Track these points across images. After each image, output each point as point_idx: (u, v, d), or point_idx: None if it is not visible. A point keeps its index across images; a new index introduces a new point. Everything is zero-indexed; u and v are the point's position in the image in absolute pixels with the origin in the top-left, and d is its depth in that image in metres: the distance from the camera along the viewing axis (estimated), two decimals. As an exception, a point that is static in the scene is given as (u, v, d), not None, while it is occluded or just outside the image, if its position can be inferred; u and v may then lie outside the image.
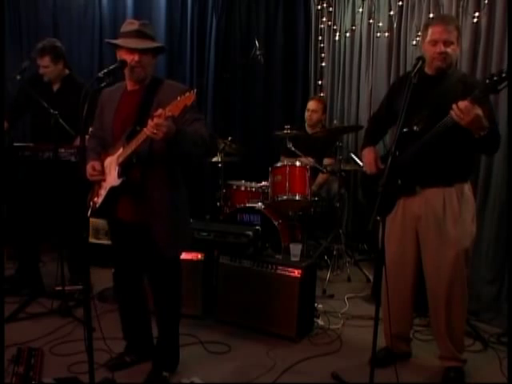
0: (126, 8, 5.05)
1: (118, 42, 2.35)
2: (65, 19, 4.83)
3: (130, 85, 2.45)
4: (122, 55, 2.34)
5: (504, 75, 2.10)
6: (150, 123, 2.09)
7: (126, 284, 2.66)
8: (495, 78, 2.12)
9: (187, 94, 2.05)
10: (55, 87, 3.61)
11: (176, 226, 2.44)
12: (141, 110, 2.35)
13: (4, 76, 3.67)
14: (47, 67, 3.51)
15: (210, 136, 2.37)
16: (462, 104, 2.19)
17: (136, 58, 2.31)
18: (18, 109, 3.69)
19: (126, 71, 2.38)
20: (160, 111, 2.08)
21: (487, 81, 2.16)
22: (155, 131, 2.09)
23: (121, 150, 2.35)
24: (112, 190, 2.39)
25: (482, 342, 3.03)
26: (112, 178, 2.39)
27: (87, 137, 2.57)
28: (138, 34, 2.33)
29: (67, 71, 3.64)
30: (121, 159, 2.33)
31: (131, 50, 2.31)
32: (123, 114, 2.41)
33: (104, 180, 2.44)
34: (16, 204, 3.61)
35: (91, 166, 2.43)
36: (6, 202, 3.58)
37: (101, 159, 2.48)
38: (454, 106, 2.22)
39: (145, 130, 2.14)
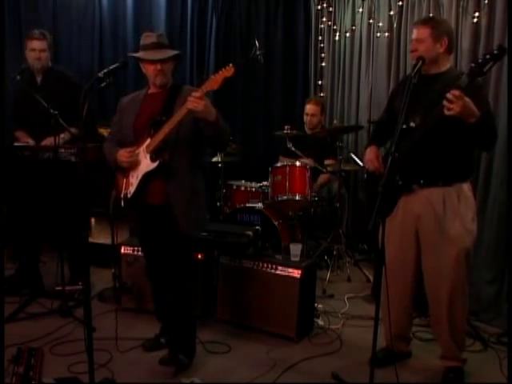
0: (125, 8, 5.05)
1: (140, 55, 2.62)
2: (65, 19, 4.83)
3: (152, 89, 2.70)
4: (145, 66, 2.63)
5: (488, 56, 2.17)
6: (191, 97, 2.32)
7: (157, 270, 2.77)
8: (480, 61, 2.18)
9: (227, 67, 2.33)
10: (39, 79, 3.62)
11: (194, 208, 2.63)
12: (166, 106, 2.58)
13: (4, 76, 3.67)
14: (44, 51, 3.56)
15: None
16: (450, 94, 2.21)
17: (158, 67, 2.58)
18: (21, 111, 3.67)
19: (150, 78, 2.64)
20: (199, 90, 2.35)
21: (472, 64, 2.22)
22: (196, 104, 2.31)
23: (148, 140, 2.55)
24: (146, 175, 2.55)
25: (482, 342, 3.03)
26: (145, 165, 2.55)
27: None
28: (157, 46, 2.59)
29: (50, 63, 3.67)
30: (151, 147, 2.52)
31: (153, 62, 2.57)
32: (148, 112, 2.61)
33: (134, 169, 2.58)
34: (16, 204, 3.61)
35: (124, 151, 2.58)
36: (5, 201, 3.58)
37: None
38: (445, 98, 2.25)
39: (186, 104, 2.35)
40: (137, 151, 2.58)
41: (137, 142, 2.59)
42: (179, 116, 2.42)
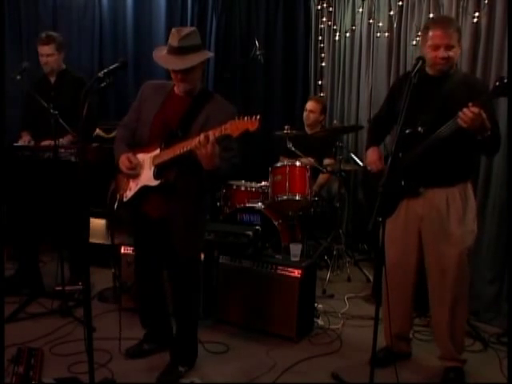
0: (125, 8, 5.05)
1: (160, 60, 2.37)
2: (65, 19, 4.83)
3: (178, 90, 2.46)
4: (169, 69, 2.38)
5: None
6: (201, 136, 2.12)
7: (146, 275, 2.72)
8: (505, 81, 2.12)
9: (253, 119, 2.07)
10: (52, 79, 3.66)
11: (194, 231, 2.52)
12: (186, 117, 2.38)
13: (4, 76, 3.67)
14: (52, 55, 3.56)
15: (234, 167, 2.39)
16: (470, 111, 2.19)
17: (179, 76, 2.35)
18: (30, 112, 3.69)
19: (174, 82, 2.42)
20: (212, 134, 2.12)
21: (497, 83, 2.15)
22: (200, 147, 2.12)
23: (157, 151, 2.38)
24: (145, 187, 2.41)
25: (482, 342, 3.03)
26: (146, 177, 2.41)
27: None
28: (179, 51, 2.30)
29: (64, 66, 3.70)
30: (158, 161, 2.36)
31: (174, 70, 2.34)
32: (167, 115, 2.43)
33: (136, 175, 2.45)
34: (16, 204, 3.61)
35: (127, 158, 2.42)
36: (5, 201, 3.58)
37: (133, 152, 2.47)
38: (461, 113, 2.23)
39: (194, 141, 2.16)
40: (142, 158, 2.42)
41: (148, 144, 2.43)
42: (191, 144, 2.20)
